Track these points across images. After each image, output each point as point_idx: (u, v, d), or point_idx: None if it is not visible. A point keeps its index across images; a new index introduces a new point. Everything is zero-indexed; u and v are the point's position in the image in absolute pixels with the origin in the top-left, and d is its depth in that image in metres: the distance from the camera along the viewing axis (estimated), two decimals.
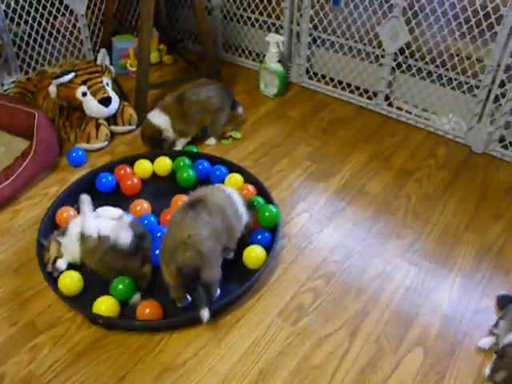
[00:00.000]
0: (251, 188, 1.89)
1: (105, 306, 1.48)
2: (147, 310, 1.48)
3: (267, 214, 1.73)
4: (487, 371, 1.36)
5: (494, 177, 2.12)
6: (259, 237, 1.70)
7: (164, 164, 2.01)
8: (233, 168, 2.00)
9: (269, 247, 1.67)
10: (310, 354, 1.44)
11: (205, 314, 1.41)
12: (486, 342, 1.47)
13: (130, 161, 2.02)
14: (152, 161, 2.03)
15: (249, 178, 1.95)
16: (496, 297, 1.61)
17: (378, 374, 1.40)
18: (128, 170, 1.97)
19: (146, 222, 1.71)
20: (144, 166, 2.00)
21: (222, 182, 1.94)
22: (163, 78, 2.74)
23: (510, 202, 2.00)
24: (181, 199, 1.78)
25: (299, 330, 1.50)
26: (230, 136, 2.28)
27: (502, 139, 2.21)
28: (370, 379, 1.39)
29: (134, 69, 2.62)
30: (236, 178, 1.93)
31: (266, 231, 1.72)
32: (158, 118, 2.13)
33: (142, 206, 1.80)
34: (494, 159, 2.21)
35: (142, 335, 1.48)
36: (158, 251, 1.60)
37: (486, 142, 2.21)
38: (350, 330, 1.51)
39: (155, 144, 2.14)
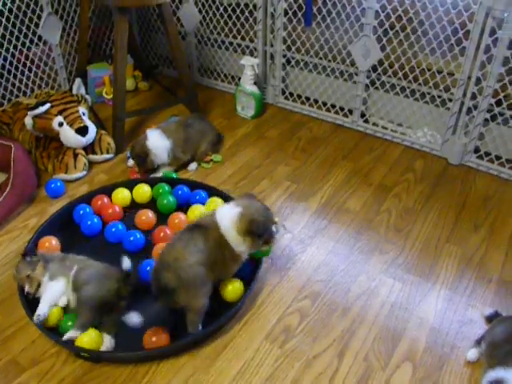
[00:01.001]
0: None
1: (87, 338, 1.45)
2: (153, 338, 1.46)
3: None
4: None
5: (471, 187, 2.15)
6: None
7: (143, 191, 2.00)
8: (213, 192, 2.00)
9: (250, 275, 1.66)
10: (300, 377, 1.43)
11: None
12: (474, 353, 1.48)
13: (109, 190, 2.01)
14: (131, 189, 2.02)
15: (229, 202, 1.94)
16: (489, 313, 1.61)
17: None
18: (105, 199, 1.96)
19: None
20: (123, 195, 1.99)
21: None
22: (140, 105, 2.75)
23: (488, 211, 2.03)
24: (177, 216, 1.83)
25: (287, 352, 1.50)
26: (211, 160, 2.28)
27: (476, 150, 2.25)
28: None
29: (110, 96, 2.62)
30: (216, 202, 1.92)
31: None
32: (158, 141, 2.14)
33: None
34: (471, 170, 2.25)
35: (129, 366, 1.45)
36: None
37: (461, 153, 2.25)
38: (339, 350, 1.50)
39: (139, 163, 2.15)
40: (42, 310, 1.50)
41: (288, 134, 2.49)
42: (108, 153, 2.28)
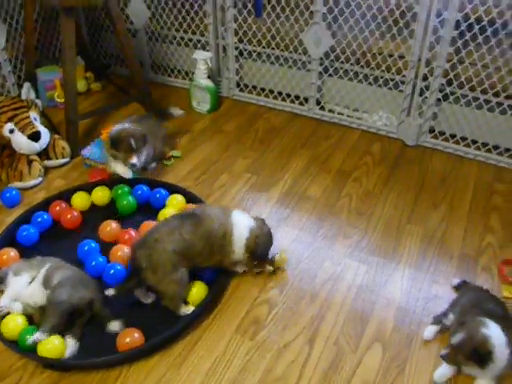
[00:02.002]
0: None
1: (50, 345, 1.41)
2: (127, 339, 1.44)
3: None
4: None
5: (428, 167, 2.19)
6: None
7: (102, 194, 1.97)
8: (173, 189, 1.98)
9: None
10: (272, 366, 1.44)
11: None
12: (431, 331, 1.52)
13: (67, 195, 1.96)
14: (90, 192, 1.98)
15: (190, 198, 1.93)
16: (457, 283, 1.66)
17: (341, 374, 1.41)
18: (63, 205, 1.91)
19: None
20: (82, 199, 1.94)
21: (163, 204, 1.92)
22: (93, 106, 2.69)
23: (445, 189, 2.07)
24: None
25: (258, 344, 1.50)
26: (172, 156, 2.26)
27: (431, 130, 2.29)
28: (333, 381, 1.39)
29: (62, 100, 2.56)
30: (177, 199, 1.91)
31: None
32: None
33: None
34: (427, 150, 2.29)
35: (100, 372, 1.43)
36: None
37: (417, 134, 2.29)
38: (309, 336, 1.51)
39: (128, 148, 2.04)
40: (3, 302, 1.49)
41: (245, 126, 2.49)
42: (63, 157, 2.23)
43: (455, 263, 1.76)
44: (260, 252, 1.63)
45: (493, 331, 1.34)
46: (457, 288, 1.65)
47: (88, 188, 1.99)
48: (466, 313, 1.46)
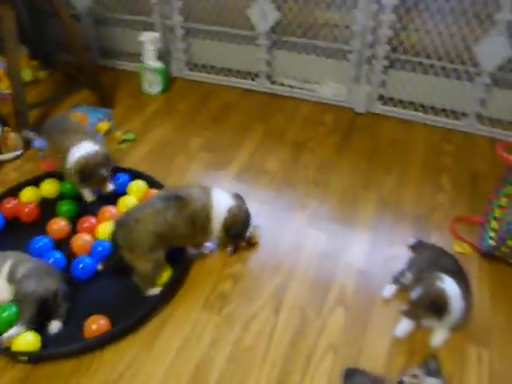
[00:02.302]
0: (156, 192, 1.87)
1: (23, 340, 1.41)
2: (93, 326, 1.46)
3: None
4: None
5: (380, 133, 2.25)
6: None
7: (52, 186, 1.94)
8: (134, 174, 1.97)
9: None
10: (241, 338, 1.48)
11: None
12: (390, 290, 1.59)
13: (16, 190, 1.93)
14: (39, 185, 1.95)
15: (152, 183, 1.93)
16: (413, 242, 1.72)
17: (307, 340, 1.46)
18: (14, 201, 1.87)
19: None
20: (31, 193, 1.91)
21: (124, 190, 1.91)
22: (42, 95, 2.63)
23: (397, 154, 2.14)
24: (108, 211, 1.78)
25: (226, 317, 1.53)
26: (124, 140, 2.24)
27: (381, 97, 2.35)
28: (300, 347, 1.45)
29: (8, 91, 2.49)
30: (138, 184, 1.90)
31: None
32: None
33: None
34: (377, 117, 2.35)
35: (71, 360, 1.43)
36: None
37: (366, 102, 2.34)
38: (274, 306, 1.56)
39: None
40: None
41: (198, 105, 2.49)
42: (16, 150, 2.19)
43: (410, 224, 1.83)
44: (237, 231, 1.64)
45: (448, 284, 1.42)
46: (413, 247, 1.72)
47: (37, 182, 1.97)
48: (422, 271, 1.53)
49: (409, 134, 2.25)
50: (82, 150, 1.76)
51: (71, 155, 1.76)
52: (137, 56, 2.77)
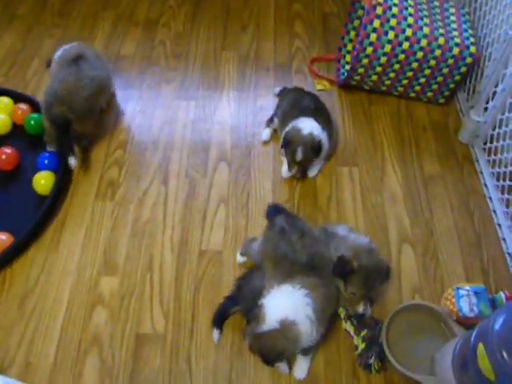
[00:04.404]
0: (24, 106, 1.81)
1: None
2: None
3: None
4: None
5: None
6: (46, 161, 1.66)
7: None
8: None
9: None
10: (138, 214, 1.57)
11: (71, 161, 1.65)
12: (266, 133, 1.73)
13: None
14: None
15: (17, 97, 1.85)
16: (278, 91, 1.83)
17: (199, 199, 1.59)
18: None
19: None
20: None
21: None
22: None
23: (250, 10, 2.18)
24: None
25: (120, 201, 1.61)
26: None
27: None
28: (193, 206, 1.58)
29: None
30: (4, 101, 1.82)
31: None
32: None
33: None
34: None
35: None
36: None
37: None
38: (161, 178, 1.65)
39: None
40: None
41: (39, 3, 2.32)
42: None
43: (272, 74, 1.93)
44: None
45: (314, 130, 1.55)
46: (278, 95, 1.83)
47: None
48: (286, 115, 1.65)
49: None
50: None
51: None
52: None
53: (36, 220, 1.54)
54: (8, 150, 1.67)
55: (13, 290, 1.45)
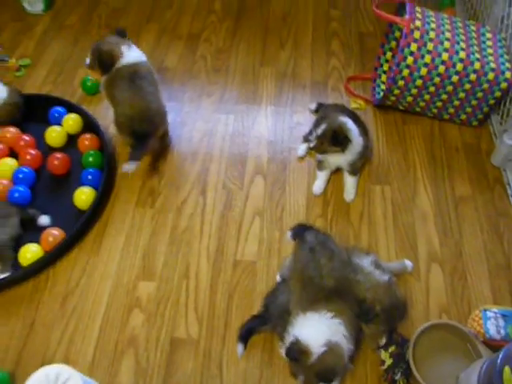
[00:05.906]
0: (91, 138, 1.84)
1: None
2: (50, 238, 1.56)
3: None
4: None
5: (269, 10, 2.32)
6: (89, 177, 1.72)
7: None
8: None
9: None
10: (176, 223, 1.64)
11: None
12: (302, 149, 1.78)
13: None
14: None
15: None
16: (314, 106, 1.89)
17: (235, 210, 1.65)
18: None
19: None
20: None
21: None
22: None
23: (288, 27, 2.24)
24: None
25: (159, 208, 1.68)
26: (21, 66, 2.20)
27: None
28: (230, 217, 1.64)
29: None
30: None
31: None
32: None
33: None
34: None
35: (29, 282, 1.54)
36: None
37: None
38: (200, 189, 1.72)
39: None
40: None
41: (87, 15, 2.43)
42: None
43: (308, 91, 1.98)
44: None
45: (347, 121, 1.57)
46: (316, 111, 1.88)
47: None
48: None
49: (296, 5, 2.33)
50: None
51: None
52: None
53: (85, 217, 1.60)
54: (59, 155, 1.75)
55: (55, 289, 1.53)
